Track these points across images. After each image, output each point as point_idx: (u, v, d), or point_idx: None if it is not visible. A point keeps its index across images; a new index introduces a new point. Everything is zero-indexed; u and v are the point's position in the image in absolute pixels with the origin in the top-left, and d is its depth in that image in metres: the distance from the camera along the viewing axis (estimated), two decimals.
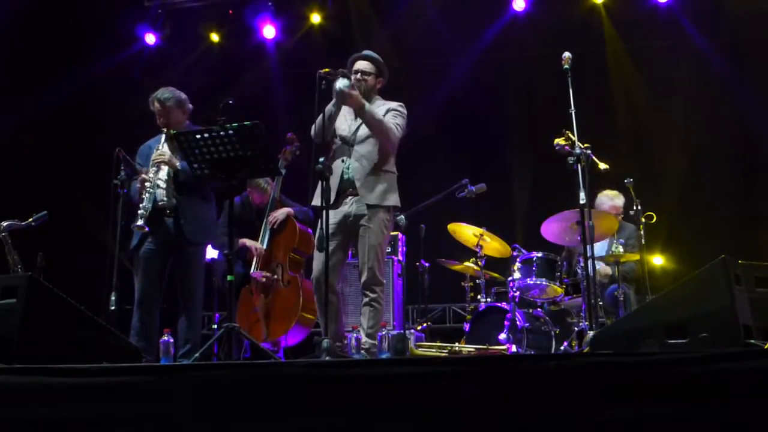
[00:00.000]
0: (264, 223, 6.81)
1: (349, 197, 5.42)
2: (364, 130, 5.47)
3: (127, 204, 5.86)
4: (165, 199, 5.71)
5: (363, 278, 5.39)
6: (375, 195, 5.41)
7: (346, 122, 5.55)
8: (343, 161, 5.46)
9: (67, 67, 9.84)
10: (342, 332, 5.57)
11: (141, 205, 5.55)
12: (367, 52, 5.71)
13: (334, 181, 5.38)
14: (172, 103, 5.90)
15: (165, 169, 5.72)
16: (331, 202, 5.31)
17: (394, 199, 5.53)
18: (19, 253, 6.72)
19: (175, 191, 5.76)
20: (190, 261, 5.85)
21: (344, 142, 5.50)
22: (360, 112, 5.35)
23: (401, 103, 5.63)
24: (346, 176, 5.43)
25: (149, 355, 5.42)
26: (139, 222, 5.49)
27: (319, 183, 5.04)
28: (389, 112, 5.53)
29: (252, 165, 4.91)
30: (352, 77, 5.39)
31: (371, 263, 5.36)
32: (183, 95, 5.99)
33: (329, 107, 5.39)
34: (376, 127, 5.38)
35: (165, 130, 5.84)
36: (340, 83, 5.17)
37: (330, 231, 5.05)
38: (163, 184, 5.71)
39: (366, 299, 5.41)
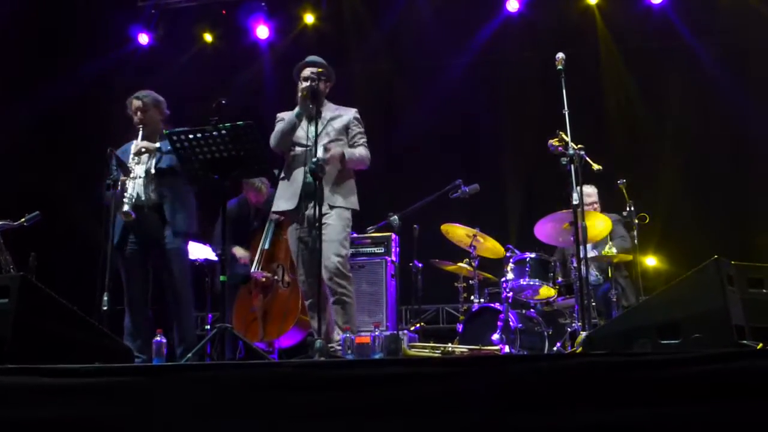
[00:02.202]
0: (267, 223, 6.81)
1: (312, 201, 5.42)
2: (326, 136, 5.53)
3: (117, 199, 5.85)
4: (144, 194, 5.73)
5: (327, 274, 5.35)
6: (337, 197, 5.48)
7: (302, 130, 5.58)
8: (305, 167, 5.45)
9: (60, 67, 9.82)
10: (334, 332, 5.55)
11: (126, 194, 5.54)
12: (312, 58, 5.78)
13: (293, 187, 5.48)
14: (150, 101, 5.94)
15: (144, 164, 5.74)
16: (292, 206, 5.44)
17: (354, 202, 5.61)
18: (12, 253, 6.71)
19: (156, 181, 5.77)
20: (174, 254, 5.80)
21: (303, 147, 5.52)
22: (344, 162, 5.48)
23: (356, 110, 5.75)
24: (308, 180, 5.41)
25: (146, 353, 5.41)
26: (125, 208, 5.46)
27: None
28: (351, 124, 5.66)
29: (245, 165, 4.90)
30: (301, 84, 5.53)
31: (334, 258, 5.35)
32: (162, 98, 6.05)
33: (291, 118, 5.48)
34: (357, 164, 5.59)
35: (141, 127, 5.86)
36: (319, 155, 5.22)
37: (300, 235, 5.22)
38: (141, 180, 5.73)
39: (335, 296, 5.39)
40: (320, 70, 5.58)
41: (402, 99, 5.53)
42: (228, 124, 4.73)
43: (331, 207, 5.43)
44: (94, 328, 3.81)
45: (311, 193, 5.26)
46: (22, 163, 9.43)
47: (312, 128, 5.50)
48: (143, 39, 10.60)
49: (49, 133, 9.94)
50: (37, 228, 6.79)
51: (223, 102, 5.08)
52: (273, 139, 5.44)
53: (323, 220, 5.37)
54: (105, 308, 5.54)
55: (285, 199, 5.52)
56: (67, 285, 5.43)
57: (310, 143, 5.45)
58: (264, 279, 6.67)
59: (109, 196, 5.71)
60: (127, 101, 5.99)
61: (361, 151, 5.61)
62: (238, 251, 6.91)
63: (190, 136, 4.81)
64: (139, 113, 5.91)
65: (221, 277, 4.87)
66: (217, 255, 6.39)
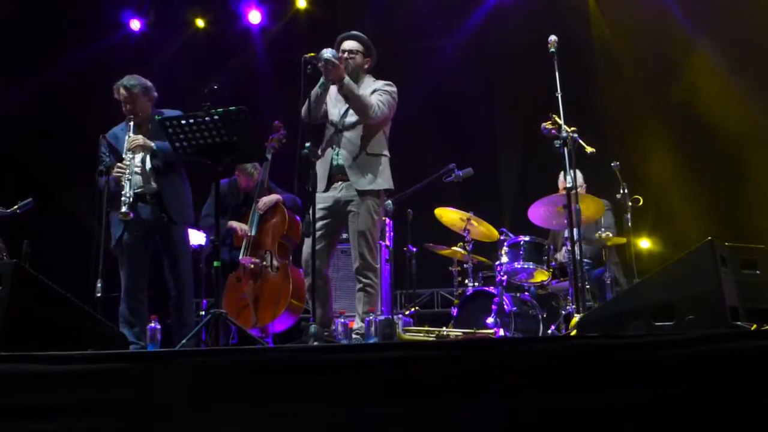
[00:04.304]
0: (253, 208, 6.79)
1: (339, 182, 5.42)
2: (352, 116, 5.47)
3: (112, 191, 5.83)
4: (143, 185, 5.71)
5: (355, 264, 5.40)
6: (365, 180, 5.41)
7: (335, 107, 5.55)
8: (333, 148, 5.45)
9: (52, 53, 9.78)
10: (331, 317, 5.56)
11: (122, 193, 5.51)
12: (354, 32, 5.70)
13: (324, 167, 5.42)
14: (138, 90, 5.84)
15: (140, 154, 5.71)
16: (322, 188, 5.36)
17: (385, 182, 5.52)
18: (5, 240, 6.70)
19: (153, 175, 5.75)
20: (177, 242, 5.85)
21: (333, 127, 5.50)
22: (339, 85, 5.33)
23: (389, 82, 5.63)
24: (335, 162, 5.43)
25: (144, 340, 5.40)
26: (123, 209, 5.45)
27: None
28: (376, 91, 5.53)
29: (238, 150, 4.89)
30: (340, 56, 5.38)
31: (361, 249, 5.37)
32: (149, 83, 5.95)
33: (315, 89, 5.39)
34: (354, 101, 5.36)
35: (131, 117, 5.80)
36: (328, 53, 5.17)
37: (319, 215, 5.07)
38: (138, 169, 5.69)
39: (360, 285, 5.42)
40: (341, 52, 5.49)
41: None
42: (220, 110, 4.70)
43: (359, 193, 5.39)
44: (88, 314, 3.80)
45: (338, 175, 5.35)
46: (14, 150, 9.40)
47: (343, 107, 5.49)
48: (135, 25, 10.56)
49: (42, 119, 9.93)
50: (31, 215, 6.77)
51: (215, 87, 5.07)
52: (303, 111, 5.37)
53: (350, 208, 5.40)
54: (99, 295, 5.54)
55: (320, 179, 5.42)
56: (60, 272, 5.40)
57: (338, 121, 5.47)
58: (252, 265, 6.65)
59: (102, 182, 5.71)
60: (114, 87, 5.89)
61: (371, 97, 5.45)
62: (235, 223, 6.89)
63: (182, 122, 4.79)
64: (128, 105, 5.83)
65: (215, 263, 4.86)
66: (210, 240, 6.37)
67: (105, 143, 5.83)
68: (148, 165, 5.74)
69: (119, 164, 5.67)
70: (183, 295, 5.84)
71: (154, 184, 5.75)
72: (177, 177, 5.87)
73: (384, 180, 5.50)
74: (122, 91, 5.83)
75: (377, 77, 5.70)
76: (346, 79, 5.32)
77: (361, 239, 5.37)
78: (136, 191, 5.63)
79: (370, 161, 5.46)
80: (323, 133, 5.62)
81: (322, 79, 5.37)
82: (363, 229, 5.37)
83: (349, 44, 5.62)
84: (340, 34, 5.71)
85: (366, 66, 5.68)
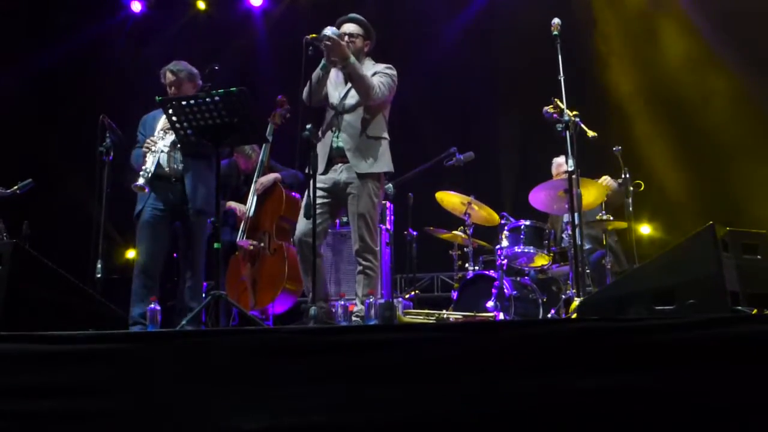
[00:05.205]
0: (252, 189, 6.78)
1: (339, 164, 5.41)
2: (352, 99, 5.45)
3: (121, 171, 5.84)
4: (168, 165, 5.71)
5: (355, 247, 5.40)
6: (366, 163, 5.40)
7: (336, 90, 5.53)
8: (333, 131, 5.44)
9: (52, 35, 9.76)
10: (325, 293, 5.56)
11: (144, 167, 5.52)
12: (353, 15, 5.67)
13: (324, 150, 5.40)
14: (184, 75, 5.92)
15: (171, 136, 5.69)
16: (321, 170, 5.34)
17: (385, 165, 5.50)
18: (5, 221, 6.69)
19: (182, 158, 5.75)
20: (196, 231, 5.83)
21: (334, 110, 5.49)
22: (344, 64, 5.31)
23: (389, 65, 5.61)
24: (335, 145, 5.41)
25: None
26: (140, 182, 5.45)
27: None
28: (377, 73, 5.51)
29: (239, 132, 4.88)
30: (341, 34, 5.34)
31: (361, 231, 5.37)
32: (195, 70, 6.01)
33: (317, 71, 5.37)
34: (357, 80, 5.34)
35: None
36: (329, 30, 5.15)
37: (318, 195, 5.06)
38: (166, 149, 5.71)
39: (360, 267, 5.42)
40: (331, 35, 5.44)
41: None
42: (221, 90, 4.69)
43: (359, 176, 5.37)
44: (88, 294, 3.80)
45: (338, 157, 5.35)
46: (14, 131, 9.38)
47: (341, 88, 5.48)
48: (136, 6, 10.50)
49: (42, 100, 9.90)
50: (31, 195, 6.77)
51: (216, 68, 5.06)
52: (304, 93, 5.36)
53: (350, 190, 5.39)
54: (99, 275, 5.54)
55: (321, 161, 5.42)
56: (60, 252, 5.40)
57: (339, 104, 5.45)
58: (251, 247, 6.64)
59: (112, 162, 5.72)
60: (161, 71, 5.96)
61: (372, 78, 5.41)
62: (234, 204, 6.88)
63: (183, 103, 4.77)
64: (173, 88, 5.90)
65: (215, 244, 4.86)
66: (209, 221, 6.36)
67: (107, 124, 5.81)
68: (177, 146, 5.74)
69: (149, 139, 5.70)
70: (196, 278, 5.84)
71: (179, 167, 5.75)
72: (204, 165, 5.83)
73: (384, 163, 5.49)
74: (169, 75, 5.93)
75: (379, 60, 5.68)
76: (352, 58, 5.30)
77: (361, 222, 5.36)
78: (160, 171, 5.64)
79: (371, 144, 5.45)
80: (323, 116, 5.60)
81: (323, 61, 5.34)
82: (363, 211, 5.37)
83: (348, 27, 5.58)
84: (339, 18, 5.68)
85: (366, 49, 5.66)
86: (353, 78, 5.34)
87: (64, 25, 9.91)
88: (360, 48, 5.57)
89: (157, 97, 5.47)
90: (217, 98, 4.70)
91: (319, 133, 5.47)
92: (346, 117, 5.43)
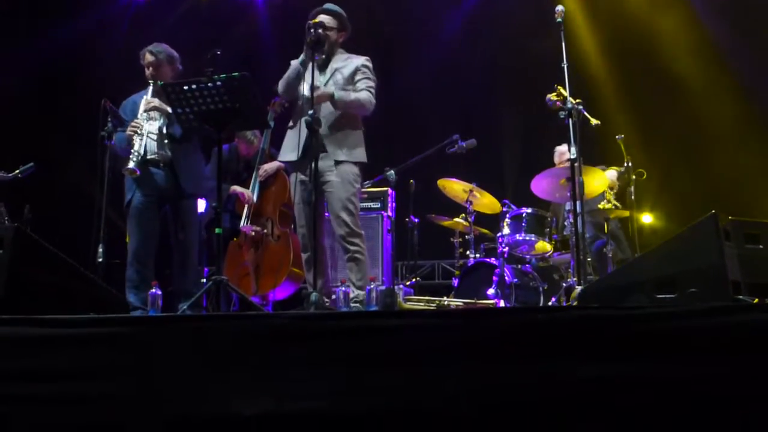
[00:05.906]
0: (254, 175, 6.77)
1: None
2: (330, 88, 5.44)
3: (114, 156, 5.82)
4: (156, 151, 5.69)
5: (340, 232, 5.38)
6: (342, 151, 5.42)
7: (316, 81, 5.51)
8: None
9: (54, 19, 9.73)
10: (329, 287, 5.56)
11: (132, 150, 5.53)
12: (328, 5, 5.67)
13: (298, 138, 5.39)
14: (163, 57, 5.92)
15: (157, 121, 5.70)
16: (296, 158, 5.38)
17: (360, 155, 5.53)
18: (6, 205, 6.69)
19: (168, 142, 5.74)
20: (186, 214, 5.85)
21: (309, 100, 5.48)
22: (333, 103, 5.37)
23: (367, 57, 5.62)
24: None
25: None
26: (131, 165, 5.46)
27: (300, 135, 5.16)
28: (358, 71, 5.53)
29: (240, 117, 4.87)
30: (311, 31, 5.28)
31: (345, 217, 5.36)
32: (175, 53, 6.02)
33: (296, 65, 5.42)
34: (351, 107, 5.41)
35: (152, 82, 5.82)
36: (309, 115, 5.04)
37: (301, 185, 5.09)
38: (154, 136, 5.69)
39: (348, 254, 5.41)
40: (317, 20, 5.44)
41: (399, 53, 5.48)
42: (223, 75, 4.68)
43: (336, 163, 5.39)
44: (89, 279, 3.80)
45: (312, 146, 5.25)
46: (16, 116, 9.37)
47: (321, 78, 5.46)
48: None
49: (44, 86, 9.90)
50: (32, 180, 6.76)
51: (218, 53, 5.03)
52: (280, 85, 5.38)
53: (328, 177, 5.37)
54: (100, 260, 5.54)
55: (290, 149, 5.49)
56: (61, 237, 5.41)
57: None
58: (254, 233, 6.64)
59: (114, 146, 5.71)
60: (141, 53, 5.96)
61: (360, 96, 5.45)
62: (238, 188, 6.88)
63: (185, 88, 4.77)
64: (151, 68, 5.90)
65: (217, 230, 4.85)
66: (210, 206, 6.36)
67: (108, 108, 5.80)
68: (164, 131, 5.74)
69: (132, 122, 5.68)
70: (188, 265, 5.84)
71: (168, 152, 5.74)
72: (191, 147, 5.87)
73: (360, 153, 5.53)
74: (148, 56, 5.92)
75: (382, 48, 5.66)
76: (337, 94, 5.36)
77: (343, 207, 5.37)
78: (149, 157, 5.65)
79: (348, 133, 5.48)
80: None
81: (302, 56, 5.37)
82: (344, 197, 5.38)
83: (323, 18, 5.53)
84: (315, 9, 5.65)
85: (340, 40, 5.68)
86: (347, 107, 5.40)
87: (67, 10, 9.87)
88: (335, 40, 5.60)
89: (159, 81, 5.47)
90: (219, 83, 4.70)
91: (291, 121, 5.50)
92: (324, 106, 5.40)
